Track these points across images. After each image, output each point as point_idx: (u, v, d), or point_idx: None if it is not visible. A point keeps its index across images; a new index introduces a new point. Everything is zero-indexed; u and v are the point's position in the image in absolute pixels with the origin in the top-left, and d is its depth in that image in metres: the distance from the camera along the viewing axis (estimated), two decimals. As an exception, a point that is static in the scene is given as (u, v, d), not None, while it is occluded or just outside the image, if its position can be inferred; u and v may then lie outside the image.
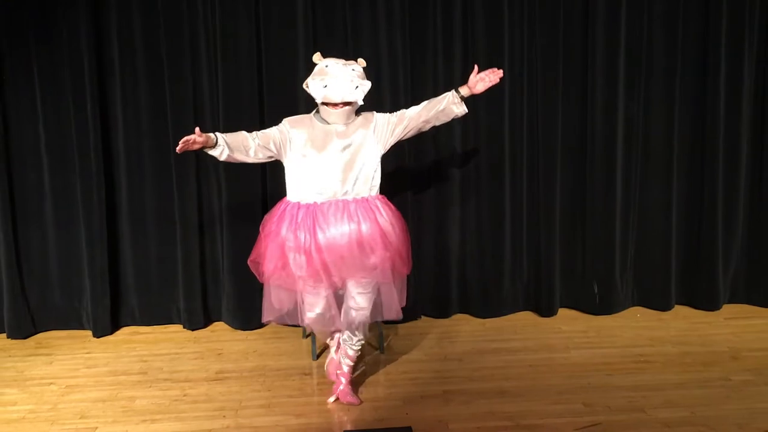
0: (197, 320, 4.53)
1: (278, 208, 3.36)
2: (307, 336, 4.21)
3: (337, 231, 3.20)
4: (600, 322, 4.55)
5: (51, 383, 3.73)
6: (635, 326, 4.47)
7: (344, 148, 3.27)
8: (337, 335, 3.57)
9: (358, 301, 3.30)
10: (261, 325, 4.49)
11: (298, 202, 3.29)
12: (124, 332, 4.52)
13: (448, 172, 4.56)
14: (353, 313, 3.31)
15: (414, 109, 3.39)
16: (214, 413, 3.34)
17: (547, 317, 4.64)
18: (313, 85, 3.26)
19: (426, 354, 4.03)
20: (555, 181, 4.58)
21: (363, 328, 3.41)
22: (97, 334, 4.42)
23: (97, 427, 3.23)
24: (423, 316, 4.63)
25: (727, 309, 4.72)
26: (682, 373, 3.72)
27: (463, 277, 4.67)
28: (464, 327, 4.52)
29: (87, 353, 4.18)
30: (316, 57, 3.31)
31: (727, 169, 4.62)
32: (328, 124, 3.29)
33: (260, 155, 3.29)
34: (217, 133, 3.19)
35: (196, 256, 4.50)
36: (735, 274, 4.78)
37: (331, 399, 3.43)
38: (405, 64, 4.40)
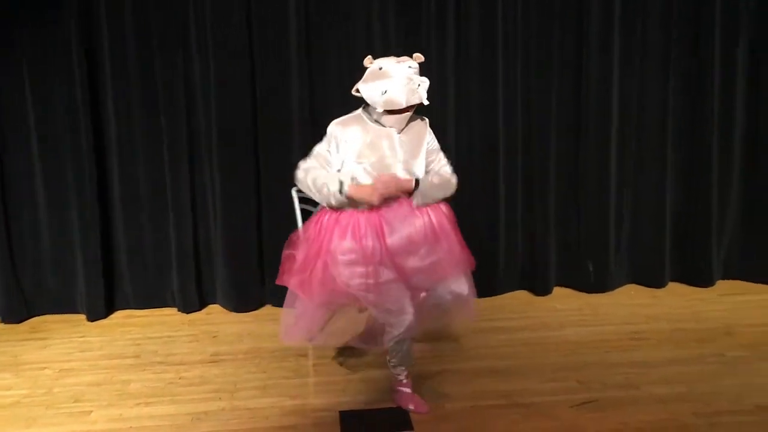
0: (192, 303, 4.51)
1: (324, 218, 3.00)
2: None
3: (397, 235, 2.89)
4: (595, 300, 4.56)
5: (45, 368, 3.71)
6: (630, 304, 4.48)
7: (396, 152, 2.96)
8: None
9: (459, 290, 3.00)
10: (256, 307, 4.49)
11: (354, 210, 2.94)
12: (119, 316, 4.51)
13: (442, 149, 4.51)
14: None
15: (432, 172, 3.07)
16: (209, 395, 3.33)
17: (542, 296, 4.65)
18: (368, 91, 2.88)
19: (421, 334, 4.02)
20: (549, 159, 4.57)
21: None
22: (91, 318, 4.41)
23: (92, 411, 3.22)
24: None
25: (721, 285, 4.74)
26: (677, 349, 3.73)
27: (457, 256, 4.65)
28: (459, 306, 4.52)
29: (81, 337, 4.17)
30: (367, 61, 2.94)
31: (720, 147, 4.63)
32: (383, 126, 2.97)
33: None
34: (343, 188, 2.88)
35: (190, 238, 4.48)
36: (729, 250, 4.80)
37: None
38: (398, 45, 4.36)
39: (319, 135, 3.08)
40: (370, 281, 2.86)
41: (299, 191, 3.28)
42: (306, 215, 3.35)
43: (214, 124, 4.35)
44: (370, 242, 2.87)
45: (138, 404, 3.26)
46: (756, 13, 4.52)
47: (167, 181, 4.42)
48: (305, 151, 4.27)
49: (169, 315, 4.49)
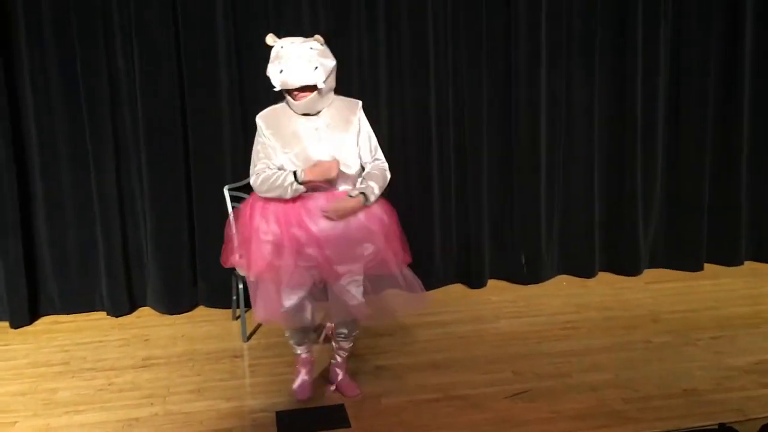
0: (121, 306, 4.38)
1: (251, 203, 3.01)
2: (237, 318, 4.14)
3: (328, 224, 2.88)
4: (528, 291, 4.65)
5: (-34, 378, 3.56)
6: (562, 294, 4.59)
7: (320, 141, 2.92)
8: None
9: (355, 294, 2.99)
10: (189, 309, 4.40)
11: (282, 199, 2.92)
12: (44, 322, 4.34)
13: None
14: (352, 307, 3.01)
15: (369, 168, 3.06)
16: (141, 401, 3.25)
17: (477, 289, 4.71)
18: (270, 71, 2.84)
19: (357, 330, 4.02)
20: (482, 155, 4.62)
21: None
22: (15, 325, 4.23)
23: (16, 422, 3.10)
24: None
25: (648, 274, 4.90)
26: (606, 337, 3.84)
27: (393, 252, 4.66)
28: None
29: (4, 345, 3.99)
30: (270, 39, 2.87)
31: (645, 138, 4.77)
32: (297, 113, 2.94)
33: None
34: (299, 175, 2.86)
35: (118, 240, 4.34)
36: (654, 239, 4.96)
37: (332, 388, 3.29)
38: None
39: (249, 127, 3.01)
40: (267, 260, 2.88)
41: (231, 189, 3.23)
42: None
43: (141, 119, 4.22)
44: (286, 228, 2.87)
45: (67, 413, 3.15)
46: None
47: (92, 179, 4.25)
48: (236, 144, 4.26)
49: (98, 319, 4.35)
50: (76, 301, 4.42)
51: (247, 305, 3.65)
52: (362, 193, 2.93)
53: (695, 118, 4.80)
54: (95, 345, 3.95)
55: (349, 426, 2.97)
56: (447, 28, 4.49)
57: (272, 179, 2.88)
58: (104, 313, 4.39)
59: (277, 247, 2.88)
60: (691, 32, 4.70)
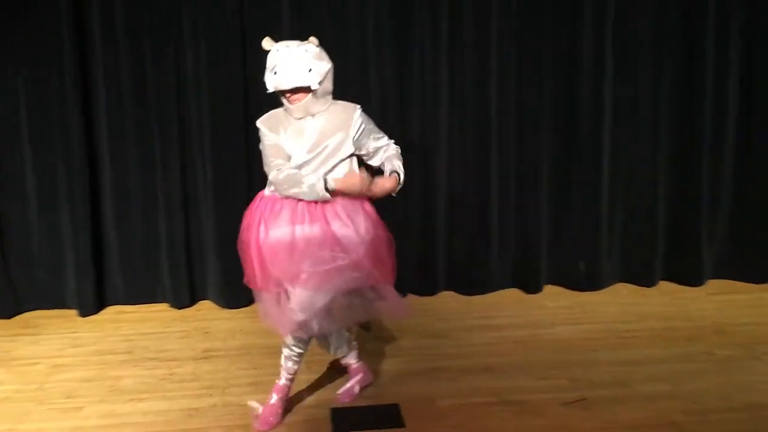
0: (183, 299, 4.51)
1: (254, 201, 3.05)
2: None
3: (281, 230, 2.87)
4: (585, 298, 4.58)
5: (37, 363, 3.71)
6: (620, 302, 4.51)
7: (313, 146, 2.89)
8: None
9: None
10: (247, 304, 4.48)
11: (273, 195, 2.96)
12: (110, 311, 4.50)
13: (435, 146, 4.54)
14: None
15: (377, 159, 3.07)
16: (200, 392, 3.34)
17: (533, 294, 4.67)
18: (266, 74, 2.83)
19: (412, 331, 4.04)
20: (542, 157, 4.58)
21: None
22: (83, 314, 4.40)
23: (83, 407, 3.22)
24: (409, 294, 4.64)
25: (712, 284, 4.77)
26: (666, 347, 3.76)
27: (449, 254, 4.67)
28: (450, 304, 4.54)
29: (73, 333, 4.16)
30: (266, 43, 2.85)
31: (713, 145, 4.64)
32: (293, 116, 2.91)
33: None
34: (328, 182, 2.86)
35: (182, 234, 4.47)
36: (719, 249, 4.82)
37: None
38: (391, 45, 4.38)
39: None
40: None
41: None
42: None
43: (206, 117, 4.34)
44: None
45: (130, 400, 3.26)
46: (748, 3, 4.53)
47: (158, 175, 4.41)
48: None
49: (160, 311, 4.49)
50: (139, 292, 4.57)
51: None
52: (395, 172, 2.97)
53: (767, 124, 4.65)
54: (157, 335, 4.07)
55: (404, 426, 2.98)
56: (510, 32, 4.46)
57: (296, 178, 2.85)
58: (166, 305, 4.53)
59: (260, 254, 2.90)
60: (764, 36, 4.56)
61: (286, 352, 3.07)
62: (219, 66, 4.29)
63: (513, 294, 4.70)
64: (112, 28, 4.26)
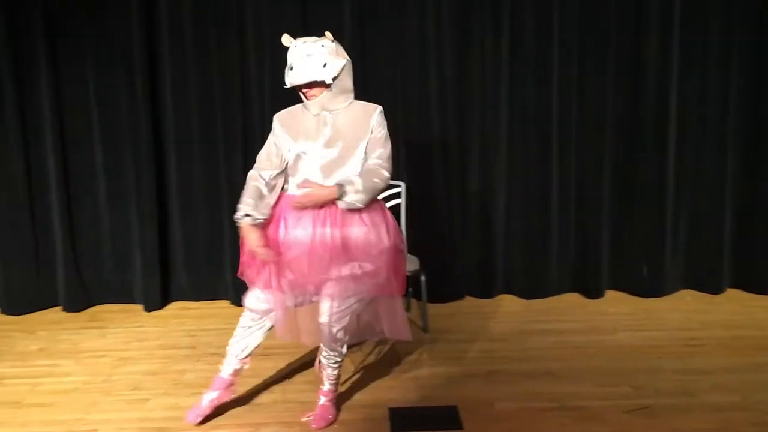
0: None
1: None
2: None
3: (303, 231, 2.84)
4: (648, 305, 4.48)
5: (104, 356, 3.83)
6: (685, 309, 4.39)
7: (328, 142, 2.85)
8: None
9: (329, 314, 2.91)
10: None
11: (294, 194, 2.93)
12: (174, 307, 4.62)
13: (494, 148, 4.51)
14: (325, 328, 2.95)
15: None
16: (262, 388, 3.39)
17: (594, 299, 4.59)
18: (285, 72, 2.82)
19: (470, 334, 4.02)
20: (604, 159, 4.51)
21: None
22: (148, 309, 4.53)
23: (149, 399, 3.31)
24: (467, 296, 4.62)
25: (782, 293, 4.60)
26: (734, 357, 3.64)
27: (508, 257, 4.63)
28: (509, 307, 4.50)
29: (138, 327, 4.28)
30: (285, 39, 2.83)
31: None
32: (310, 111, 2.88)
33: (280, 180, 2.97)
34: (243, 219, 2.99)
35: (244, 234, 4.54)
36: (791, 257, 4.65)
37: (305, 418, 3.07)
38: (452, 43, 4.37)
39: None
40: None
41: None
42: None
43: (267, 115, 4.39)
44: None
45: (194, 394, 3.32)
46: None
47: (222, 175, 4.50)
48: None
49: (222, 307, 4.57)
50: (202, 288, 4.67)
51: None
52: (339, 185, 2.81)
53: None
54: (219, 331, 4.13)
55: (462, 428, 2.96)
56: (573, 33, 4.41)
57: (249, 190, 2.97)
58: (228, 302, 4.62)
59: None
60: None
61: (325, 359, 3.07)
62: (282, 66, 4.33)
63: (573, 299, 4.63)
64: (179, 29, 4.38)
